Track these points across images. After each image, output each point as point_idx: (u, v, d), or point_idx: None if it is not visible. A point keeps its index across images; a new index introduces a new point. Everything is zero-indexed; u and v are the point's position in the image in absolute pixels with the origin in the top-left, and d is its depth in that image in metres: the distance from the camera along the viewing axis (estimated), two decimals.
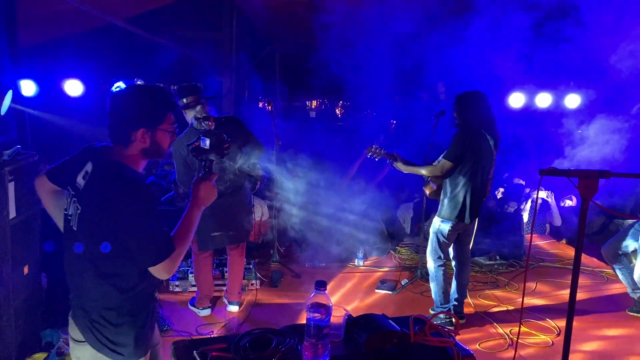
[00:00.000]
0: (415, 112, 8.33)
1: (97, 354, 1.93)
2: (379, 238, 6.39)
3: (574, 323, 4.21)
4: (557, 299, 5.11)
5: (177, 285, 4.94)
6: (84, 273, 1.91)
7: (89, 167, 1.94)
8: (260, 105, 11.45)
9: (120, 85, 2.02)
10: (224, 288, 4.70)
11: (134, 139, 1.94)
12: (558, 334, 4.26)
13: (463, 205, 4.19)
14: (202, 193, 2.03)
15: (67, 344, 3.53)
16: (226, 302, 4.63)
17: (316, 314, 1.69)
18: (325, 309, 1.70)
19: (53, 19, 6.28)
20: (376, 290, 5.21)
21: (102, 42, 7.66)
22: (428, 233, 4.57)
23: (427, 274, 5.05)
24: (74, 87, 6.58)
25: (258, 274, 5.25)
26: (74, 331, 2.00)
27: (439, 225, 4.32)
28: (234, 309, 4.59)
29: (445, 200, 4.26)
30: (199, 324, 4.36)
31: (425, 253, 4.79)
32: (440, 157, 4.26)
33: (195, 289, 4.70)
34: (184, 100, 4.11)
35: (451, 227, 4.25)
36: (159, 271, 1.88)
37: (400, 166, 4.44)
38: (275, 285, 5.22)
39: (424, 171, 4.43)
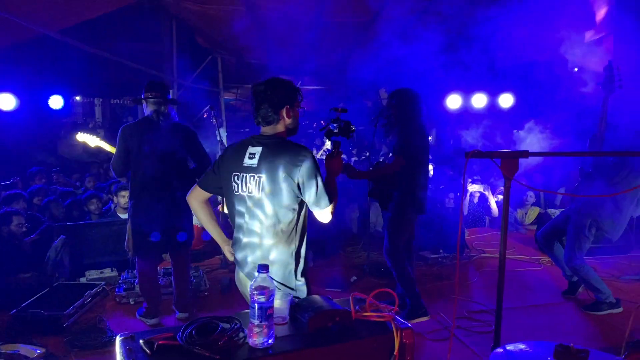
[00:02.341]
0: (360, 118, 8.52)
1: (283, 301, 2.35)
2: (328, 238, 6.48)
3: (511, 307, 4.42)
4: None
5: (123, 297, 4.85)
6: (271, 234, 2.46)
7: (252, 149, 2.51)
8: (205, 116, 11.39)
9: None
10: (172, 297, 4.64)
11: (282, 117, 2.53)
12: None
13: (419, 199, 4.24)
14: (333, 167, 2.67)
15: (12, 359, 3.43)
16: (175, 310, 4.58)
17: (259, 296, 1.75)
18: (268, 291, 1.76)
19: None
20: (326, 289, 5.29)
21: (36, 54, 7.43)
22: (376, 232, 4.66)
23: (377, 271, 5.20)
24: (6, 101, 6.37)
25: (207, 282, 5.22)
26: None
27: (401, 222, 4.30)
28: (183, 317, 4.54)
29: (404, 197, 4.22)
30: None
31: (376, 251, 4.84)
32: (392, 155, 4.26)
33: (142, 299, 4.62)
34: (152, 93, 4.14)
35: (413, 221, 4.33)
36: (327, 214, 2.55)
37: (353, 175, 4.31)
38: (225, 292, 5.21)
39: (378, 174, 4.37)
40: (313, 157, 2.48)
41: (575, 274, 4.74)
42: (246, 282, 2.61)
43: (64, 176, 8.19)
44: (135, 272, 4.96)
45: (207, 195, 2.71)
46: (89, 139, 4.82)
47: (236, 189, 2.55)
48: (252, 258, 2.54)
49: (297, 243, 2.55)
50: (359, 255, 6.26)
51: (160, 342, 1.73)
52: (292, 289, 2.52)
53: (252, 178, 2.49)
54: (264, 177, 2.45)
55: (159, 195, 4.14)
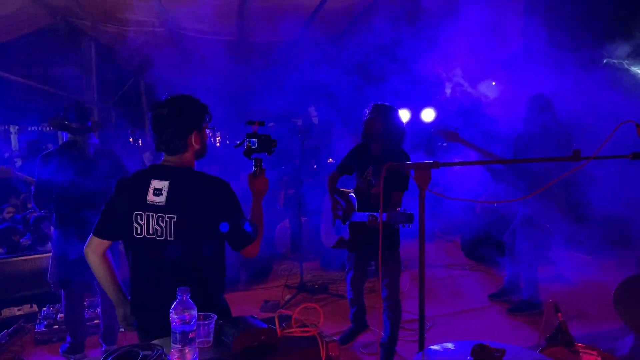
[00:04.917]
0: (290, 136, 8.60)
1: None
2: (261, 259, 6.42)
3: (441, 314, 4.54)
4: (428, 295, 5.51)
5: (45, 333, 4.57)
6: (181, 280, 1.94)
7: (157, 184, 2.16)
8: (131, 140, 11.07)
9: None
10: (99, 329, 4.43)
11: (190, 144, 2.23)
12: (429, 327, 4.58)
13: None
14: (257, 187, 2.43)
15: None
16: (102, 344, 4.37)
17: (180, 320, 1.71)
18: (190, 314, 1.73)
19: None
20: (261, 312, 5.24)
21: None
22: (307, 248, 4.67)
23: (311, 288, 5.25)
24: None
25: None
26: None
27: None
28: (110, 350, 4.34)
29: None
30: None
31: (310, 267, 4.80)
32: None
33: (65, 335, 4.38)
34: (69, 118, 4.02)
35: None
36: (253, 249, 2.27)
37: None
38: None
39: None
40: (231, 190, 2.23)
41: (531, 279, 4.86)
42: None
43: None
44: (57, 306, 4.71)
45: (107, 244, 2.30)
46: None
47: (139, 231, 2.17)
48: (158, 316, 2.04)
49: (216, 288, 2.31)
50: (293, 274, 6.24)
51: None
52: None
53: (160, 219, 2.13)
54: (176, 217, 2.13)
55: (85, 223, 3.98)
